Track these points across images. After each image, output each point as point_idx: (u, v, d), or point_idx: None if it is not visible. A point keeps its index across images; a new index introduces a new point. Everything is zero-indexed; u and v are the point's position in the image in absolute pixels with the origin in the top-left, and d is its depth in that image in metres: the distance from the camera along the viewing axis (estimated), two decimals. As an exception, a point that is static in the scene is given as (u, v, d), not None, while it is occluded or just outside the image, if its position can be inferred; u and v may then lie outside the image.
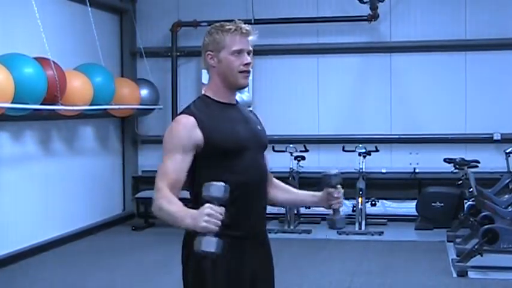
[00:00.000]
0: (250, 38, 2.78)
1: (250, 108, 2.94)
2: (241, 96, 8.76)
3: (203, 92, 2.86)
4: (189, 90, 9.76)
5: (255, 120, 2.93)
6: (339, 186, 2.94)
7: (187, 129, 2.69)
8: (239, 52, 2.74)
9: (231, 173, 2.72)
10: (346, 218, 3.01)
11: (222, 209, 2.42)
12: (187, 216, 2.48)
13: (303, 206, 3.06)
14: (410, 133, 9.38)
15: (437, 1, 9.38)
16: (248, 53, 2.78)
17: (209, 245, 2.37)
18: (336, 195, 2.92)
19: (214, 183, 2.46)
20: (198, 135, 2.69)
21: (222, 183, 2.46)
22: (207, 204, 2.42)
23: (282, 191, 3.04)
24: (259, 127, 2.90)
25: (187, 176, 2.81)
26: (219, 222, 2.41)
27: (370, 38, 9.55)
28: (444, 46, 9.31)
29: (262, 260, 2.86)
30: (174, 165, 2.66)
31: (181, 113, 2.78)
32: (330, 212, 2.96)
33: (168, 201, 2.58)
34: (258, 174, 2.82)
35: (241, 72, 2.76)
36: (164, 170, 2.67)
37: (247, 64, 2.76)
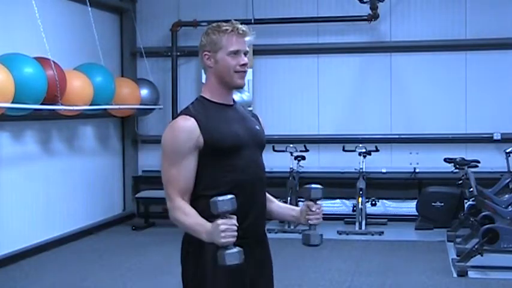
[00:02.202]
0: (247, 38, 2.79)
1: (251, 108, 2.95)
2: (242, 96, 8.76)
3: (201, 94, 2.87)
4: (189, 90, 9.76)
5: (253, 120, 2.93)
6: (318, 201, 2.87)
7: (188, 132, 2.69)
8: (236, 53, 2.75)
9: (230, 172, 2.73)
10: (322, 236, 2.91)
11: (234, 219, 2.50)
12: (202, 232, 2.56)
13: (280, 220, 3.03)
14: (410, 133, 9.38)
15: (437, 1, 9.38)
16: (245, 54, 2.79)
17: (232, 258, 2.48)
18: (313, 209, 2.86)
19: (220, 198, 2.49)
20: (198, 136, 2.70)
21: (228, 196, 2.50)
22: (220, 221, 2.48)
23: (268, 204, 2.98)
24: (257, 127, 2.91)
25: None
26: (236, 233, 2.49)
27: (370, 38, 9.55)
28: (444, 46, 9.32)
29: (261, 259, 2.87)
30: (182, 172, 2.68)
31: (179, 115, 2.78)
32: (307, 227, 2.89)
33: (183, 212, 2.66)
34: (257, 173, 2.83)
35: (237, 72, 2.77)
36: (172, 178, 2.69)
37: (244, 65, 2.78)
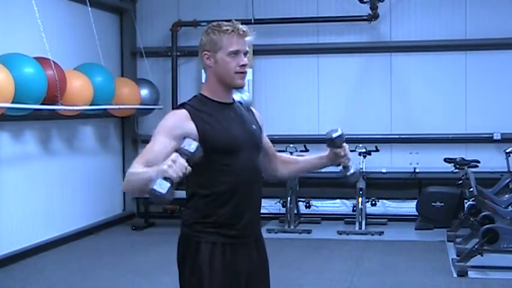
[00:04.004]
0: (248, 38, 2.79)
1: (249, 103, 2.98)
2: (242, 96, 8.75)
3: (200, 92, 2.87)
4: (189, 90, 9.75)
5: (251, 119, 2.93)
6: (343, 144, 3.00)
7: (178, 119, 2.71)
8: (236, 53, 2.75)
9: (226, 173, 2.74)
10: (359, 173, 3.15)
11: (187, 166, 2.42)
12: (153, 169, 2.46)
13: (314, 171, 3.15)
14: (410, 133, 9.38)
15: (437, 1, 9.38)
16: (245, 54, 2.79)
17: (162, 186, 2.37)
18: (342, 154, 2.98)
19: (192, 140, 2.50)
20: (190, 126, 2.69)
21: (198, 144, 2.49)
22: (176, 153, 2.44)
23: (290, 164, 3.12)
24: (254, 126, 2.90)
25: (183, 178, 2.81)
26: (180, 174, 2.40)
27: (370, 38, 9.55)
28: (444, 46, 9.31)
29: (257, 259, 2.87)
30: (154, 147, 2.65)
31: (173, 109, 2.81)
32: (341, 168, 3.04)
33: (136, 169, 2.57)
34: (253, 175, 2.83)
35: (237, 73, 2.77)
36: (146, 150, 2.68)
37: (244, 65, 2.78)
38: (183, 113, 2.72)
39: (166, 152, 2.58)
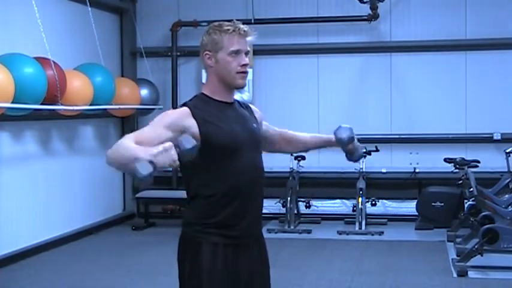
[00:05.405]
0: (249, 38, 2.79)
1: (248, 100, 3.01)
2: (242, 96, 8.76)
3: (201, 91, 2.87)
4: (189, 90, 9.74)
5: (250, 117, 2.93)
6: (353, 139, 3.13)
7: (180, 114, 2.71)
8: (236, 53, 2.75)
9: (228, 174, 2.73)
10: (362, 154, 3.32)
11: (176, 160, 2.39)
12: (142, 149, 2.41)
13: (313, 148, 3.27)
14: (410, 133, 9.38)
15: (437, 1, 9.38)
16: (246, 54, 2.79)
17: (144, 168, 2.34)
18: (352, 151, 3.19)
19: (192, 139, 2.48)
20: (191, 123, 2.69)
21: (196, 144, 2.47)
22: (171, 143, 2.41)
23: (294, 143, 3.25)
24: (254, 125, 2.91)
25: (184, 177, 2.81)
26: (166, 164, 2.37)
27: (370, 38, 9.55)
28: (444, 46, 9.31)
29: (258, 259, 2.87)
30: (151, 132, 2.62)
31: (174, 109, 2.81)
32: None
33: (127, 144, 2.51)
34: (255, 176, 2.83)
35: (238, 73, 2.77)
36: (139, 131, 2.64)
37: (245, 65, 2.78)
38: (185, 109, 2.72)
39: (160, 140, 2.55)
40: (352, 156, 3.21)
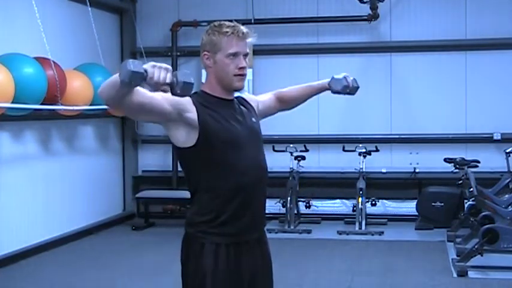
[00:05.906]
0: (248, 40, 2.78)
1: (245, 93, 3.01)
2: (242, 96, 8.76)
3: (201, 89, 2.87)
4: (189, 90, 9.76)
5: (248, 112, 2.93)
6: (348, 87, 3.27)
7: (182, 99, 2.64)
8: (234, 55, 2.74)
9: (231, 171, 2.73)
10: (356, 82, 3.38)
11: (167, 83, 2.33)
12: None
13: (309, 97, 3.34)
14: (410, 133, 9.38)
15: (437, 1, 9.38)
16: (245, 56, 2.78)
17: (135, 67, 2.25)
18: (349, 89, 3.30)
19: (191, 76, 2.40)
20: (191, 108, 2.67)
21: (193, 83, 2.40)
22: (170, 68, 2.35)
23: (290, 101, 3.44)
24: (253, 119, 2.91)
25: (186, 176, 2.81)
26: (156, 79, 2.30)
27: (370, 38, 9.55)
28: (444, 46, 9.31)
29: (260, 259, 2.87)
30: (154, 94, 2.54)
31: None
32: None
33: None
34: (258, 174, 2.83)
35: (236, 75, 2.77)
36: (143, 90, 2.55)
37: (242, 68, 2.77)
38: (187, 98, 2.69)
39: (160, 104, 2.54)
40: (351, 92, 3.33)
